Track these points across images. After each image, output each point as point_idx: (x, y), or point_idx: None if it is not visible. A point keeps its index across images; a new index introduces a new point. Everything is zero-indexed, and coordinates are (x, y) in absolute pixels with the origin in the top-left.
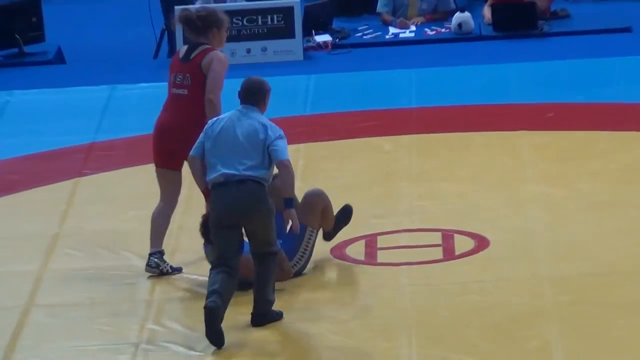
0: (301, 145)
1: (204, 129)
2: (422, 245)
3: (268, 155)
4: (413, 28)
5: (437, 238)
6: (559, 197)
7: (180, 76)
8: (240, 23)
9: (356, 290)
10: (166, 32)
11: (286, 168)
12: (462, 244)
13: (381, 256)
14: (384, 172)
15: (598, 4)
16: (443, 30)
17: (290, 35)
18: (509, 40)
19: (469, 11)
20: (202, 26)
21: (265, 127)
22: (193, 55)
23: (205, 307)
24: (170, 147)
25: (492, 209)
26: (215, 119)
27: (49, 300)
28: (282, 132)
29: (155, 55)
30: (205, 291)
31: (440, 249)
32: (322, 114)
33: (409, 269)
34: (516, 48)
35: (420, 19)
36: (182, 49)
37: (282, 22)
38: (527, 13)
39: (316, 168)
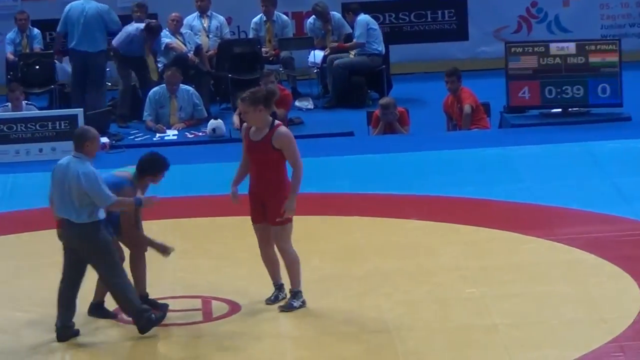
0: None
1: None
2: (183, 310)
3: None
4: (175, 132)
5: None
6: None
7: None
8: (34, 127)
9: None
10: None
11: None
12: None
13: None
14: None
15: (325, 113)
16: (200, 134)
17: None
18: None
19: (221, 118)
20: None
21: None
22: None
23: None
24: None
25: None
26: None
27: None
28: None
29: None
30: None
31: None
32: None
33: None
34: None
35: (180, 125)
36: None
37: (69, 126)
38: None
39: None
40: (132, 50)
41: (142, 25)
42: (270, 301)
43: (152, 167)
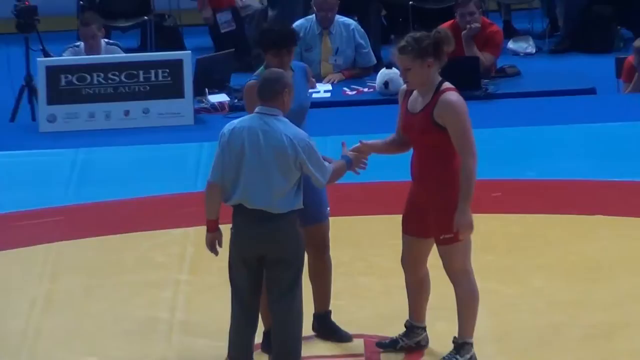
0: (190, 230)
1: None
2: (342, 356)
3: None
4: (329, 86)
5: (359, 347)
6: (507, 296)
7: None
8: (118, 79)
9: None
10: (27, 91)
11: None
12: (389, 356)
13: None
14: None
15: (554, 60)
16: (366, 89)
17: (179, 94)
18: None
19: (397, 67)
20: None
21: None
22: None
23: None
24: None
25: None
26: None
27: None
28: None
29: (12, 119)
30: None
31: None
32: None
33: None
34: None
35: (337, 76)
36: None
37: (169, 78)
38: (468, 70)
39: (209, 257)
40: None
41: None
42: (385, 346)
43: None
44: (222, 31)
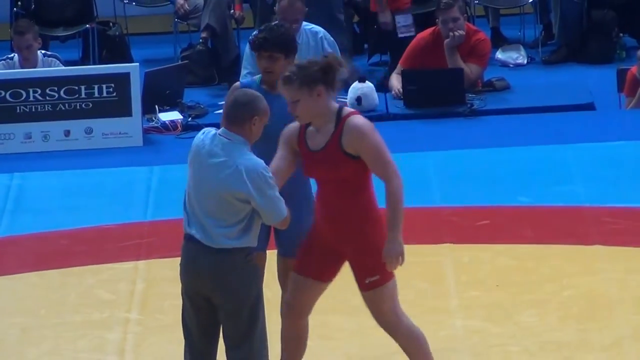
0: (140, 263)
1: None
2: None
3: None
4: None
5: None
6: (494, 336)
7: None
8: (57, 95)
9: None
10: None
11: None
12: None
13: None
14: None
15: (548, 72)
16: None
17: (126, 112)
18: (426, 120)
19: (371, 80)
20: None
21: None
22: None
23: None
24: None
25: (401, 351)
26: None
27: None
28: None
29: None
30: None
31: None
32: (169, 219)
33: None
34: (436, 131)
35: None
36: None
37: (114, 94)
38: (451, 83)
39: (161, 293)
40: None
41: None
42: None
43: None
44: (400, 36)
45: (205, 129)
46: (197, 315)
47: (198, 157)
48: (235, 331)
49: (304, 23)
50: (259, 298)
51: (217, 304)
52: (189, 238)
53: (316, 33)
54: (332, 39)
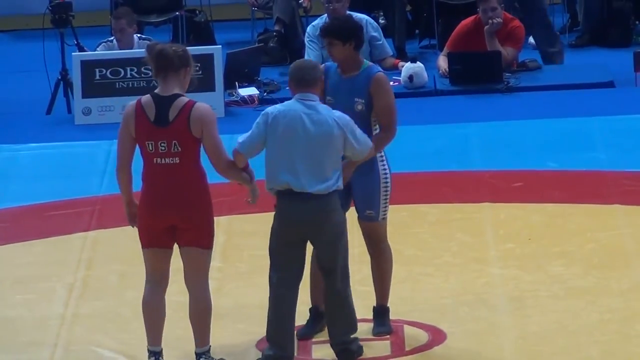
0: (222, 218)
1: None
2: (366, 339)
3: None
4: None
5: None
6: (527, 283)
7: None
8: (151, 73)
9: None
10: (62, 84)
11: None
12: (414, 337)
13: (317, 351)
14: None
15: (574, 54)
16: (391, 83)
17: (210, 87)
18: (469, 95)
19: (422, 61)
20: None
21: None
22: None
23: None
24: (169, 223)
25: (448, 295)
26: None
27: None
28: None
29: (49, 111)
30: None
31: (388, 342)
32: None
33: None
34: (477, 105)
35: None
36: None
37: (200, 72)
38: (490, 64)
39: (240, 245)
40: None
41: None
42: None
43: None
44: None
45: (271, 108)
46: (292, 257)
47: (287, 121)
48: (336, 258)
49: (349, 12)
50: None
51: (319, 240)
52: (286, 191)
53: (361, 19)
54: (375, 24)
